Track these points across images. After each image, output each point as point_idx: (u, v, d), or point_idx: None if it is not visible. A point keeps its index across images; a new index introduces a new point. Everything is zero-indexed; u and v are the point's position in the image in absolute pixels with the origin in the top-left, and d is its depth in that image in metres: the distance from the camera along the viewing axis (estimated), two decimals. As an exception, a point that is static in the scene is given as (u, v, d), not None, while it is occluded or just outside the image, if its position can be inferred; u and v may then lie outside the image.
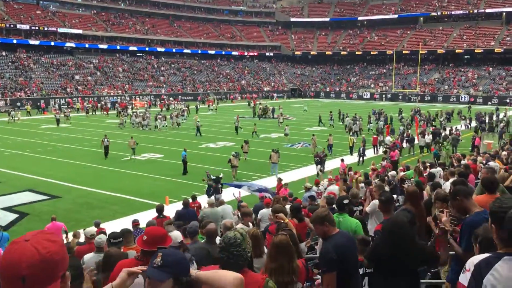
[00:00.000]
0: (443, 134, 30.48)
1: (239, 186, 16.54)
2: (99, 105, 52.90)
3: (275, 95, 75.34)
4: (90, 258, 5.80)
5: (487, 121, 38.92)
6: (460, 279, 2.22)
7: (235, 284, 2.31)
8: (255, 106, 50.19)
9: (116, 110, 48.81)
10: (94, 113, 49.86)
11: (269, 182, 20.08)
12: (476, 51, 73.18)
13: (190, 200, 13.06)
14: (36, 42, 64.51)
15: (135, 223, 10.62)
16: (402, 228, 3.69)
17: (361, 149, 25.74)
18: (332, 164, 24.04)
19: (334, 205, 7.35)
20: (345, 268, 4.00)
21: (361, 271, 4.47)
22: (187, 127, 38.45)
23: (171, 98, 61.69)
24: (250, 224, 7.58)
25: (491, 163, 10.67)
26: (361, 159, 25.56)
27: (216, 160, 24.78)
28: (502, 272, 2.10)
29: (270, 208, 9.32)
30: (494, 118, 40.20)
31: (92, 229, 7.69)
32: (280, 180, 17.41)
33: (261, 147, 28.33)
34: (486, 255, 2.23)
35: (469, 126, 38.57)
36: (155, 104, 58.00)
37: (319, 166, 22.76)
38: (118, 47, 73.35)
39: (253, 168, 23.62)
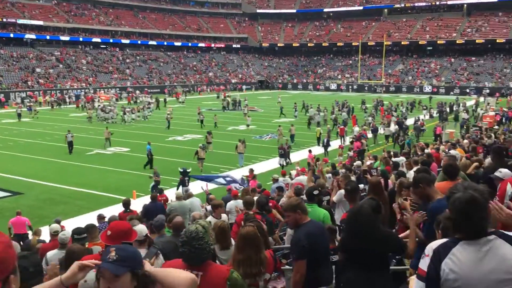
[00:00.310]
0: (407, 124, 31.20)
1: (207, 179, 16.47)
2: (66, 98, 51.69)
3: (243, 87, 75.23)
4: (53, 255, 5.65)
5: (447, 111, 39.97)
6: (420, 264, 2.27)
7: (187, 284, 2.30)
8: (225, 98, 49.92)
9: (82, 103, 47.53)
10: (59, 106, 48.51)
11: (237, 173, 20.06)
12: (438, 42, 74.93)
13: (157, 194, 12.98)
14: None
15: (101, 217, 10.44)
16: (365, 215, 3.73)
17: (325, 140, 25.77)
18: (299, 155, 24.23)
19: (302, 196, 7.41)
20: (315, 256, 4.05)
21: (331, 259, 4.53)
22: (154, 120, 37.97)
23: (138, 91, 60.51)
24: (224, 216, 7.52)
25: (452, 151, 10.98)
26: (325, 151, 25.34)
27: (184, 153, 24.60)
28: (460, 256, 2.16)
29: (238, 200, 9.35)
30: (455, 108, 41.27)
31: (56, 226, 7.49)
32: (252, 170, 17.50)
33: (229, 139, 28.24)
34: (444, 240, 2.27)
35: (433, 116, 39.44)
36: (120, 97, 56.77)
37: (283, 158, 22.68)
38: (81, 39, 71.52)
39: (221, 160, 23.55)
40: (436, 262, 2.19)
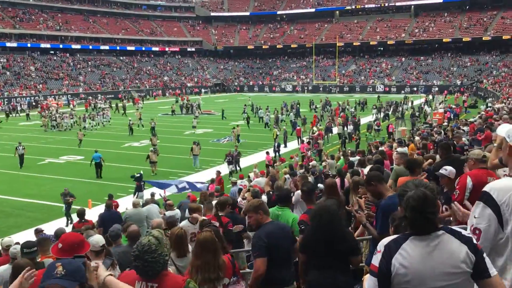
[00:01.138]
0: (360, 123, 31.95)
1: (161, 186, 16.29)
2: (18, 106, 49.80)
3: (203, 90, 75.14)
4: (4, 270, 5.41)
5: (392, 109, 41.18)
6: (373, 260, 2.34)
7: None
8: (184, 103, 49.38)
9: (41, 111, 45.20)
10: (14, 115, 46.44)
11: (196, 177, 19.95)
12: (388, 43, 77.14)
13: (108, 198, 12.83)
14: None
15: (38, 231, 9.87)
16: (331, 212, 3.80)
17: (275, 144, 25.35)
18: (257, 157, 24.32)
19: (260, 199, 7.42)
20: (275, 255, 4.09)
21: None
22: (112, 127, 37.12)
23: (100, 97, 58.84)
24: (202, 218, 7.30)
25: (399, 149, 11.34)
26: (277, 154, 24.68)
27: (140, 158, 24.10)
28: (410, 251, 2.24)
29: (203, 204, 9.25)
30: (405, 106, 42.44)
31: (9, 240, 7.17)
32: (219, 172, 17.56)
33: (186, 144, 28.03)
34: (395, 236, 2.35)
35: (388, 115, 40.11)
36: (68, 104, 54.71)
37: (231, 165, 21.76)
38: (29, 45, 68.96)
39: (178, 165, 23.34)
40: (387, 257, 2.25)
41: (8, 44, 66.71)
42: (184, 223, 6.85)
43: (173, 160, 24.54)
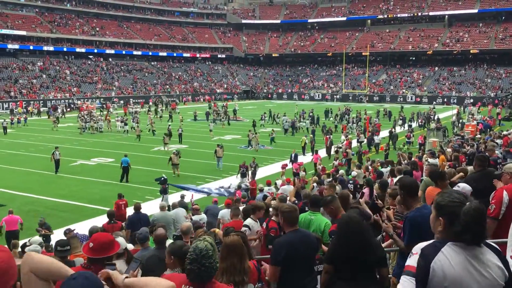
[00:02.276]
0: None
1: (185, 189, 16.53)
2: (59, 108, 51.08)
3: (235, 97, 76.22)
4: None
5: (421, 120, 40.49)
6: (408, 262, 2.35)
7: None
8: (217, 109, 49.83)
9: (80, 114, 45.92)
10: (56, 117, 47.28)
11: (223, 183, 20.05)
12: (421, 52, 76.06)
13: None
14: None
15: (69, 231, 10.11)
16: (357, 222, 3.77)
17: (292, 155, 24.26)
18: (278, 166, 24.24)
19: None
20: (296, 264, 4.10)
21: (315, 268, 4.54)
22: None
23: (121, 102, 60.07)
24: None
25: (431, 160, 11.16)
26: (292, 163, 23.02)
27: (165, 162, 24.31)
28: (450, 257, 2.25)
29: (230, 209, 9.30)
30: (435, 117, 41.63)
31: (37, 239, 7.38)
32: (254, 182, 17.81)
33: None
34: (431, 241, 2.37)
35: (421, 125, 39.40)
36: (102, 108, 56.07)
37: (244, 178, 20.47)
38: (65, 49, 70.98)
39: (205, 170, 23.55)
40: (426, 260, 2.27)
41: (45, 48, 68.78)
42: (249, 221, 6.84)
43: (201, 166, 24.79)
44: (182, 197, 14.53)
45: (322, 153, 26.88)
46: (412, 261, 2.33)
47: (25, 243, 7.75)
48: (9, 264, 1.40)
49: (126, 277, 2.56)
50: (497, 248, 2.34)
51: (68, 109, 53.41)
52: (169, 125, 34.95)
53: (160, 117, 46.61)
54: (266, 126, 40.24)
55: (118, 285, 2.53)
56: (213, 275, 2.85)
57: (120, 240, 4.32)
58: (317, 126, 36.86)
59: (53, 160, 22.94)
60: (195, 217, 10.58)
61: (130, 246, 6.23)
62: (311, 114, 42.73)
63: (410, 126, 37.88)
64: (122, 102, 61.43)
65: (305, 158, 26.17)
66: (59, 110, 50.80)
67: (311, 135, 30.61)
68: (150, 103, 59.81)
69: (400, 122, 39.74)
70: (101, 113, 45.83)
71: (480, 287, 2.22)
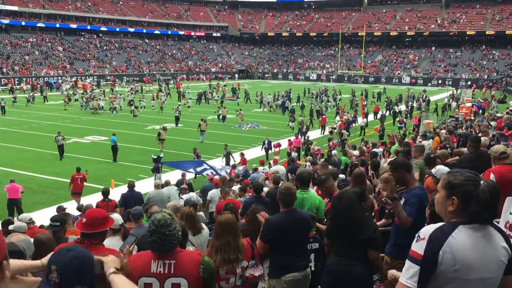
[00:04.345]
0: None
1: (184, 167, 16.52)
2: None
3: (236, 75, 76.29)
4: (27, 242, 5.59)
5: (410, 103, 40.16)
6: (414, 247, 2.25)
7: None
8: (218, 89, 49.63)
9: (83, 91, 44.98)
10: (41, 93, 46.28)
11: (217, 162, 20.07)
12: (417, 33, 75.65)
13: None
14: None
15: (61, 209, 10.36)
16: (348, 198, 3.83)
17: (265, 142, 22.64)
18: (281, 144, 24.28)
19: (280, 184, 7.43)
20: (283, 244, 4.15)
21: (308, 247, 4.59)
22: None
23: (125, 80, 59.52)
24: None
25: (424, 142, 11.23)
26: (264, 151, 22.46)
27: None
28: (460, 240, 2.20)
29: (219, 189, 9.34)
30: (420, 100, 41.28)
31: (26, 216, 7.37)
32: (242, 154, 17.83)
33: (214, 129, 28.30)
34: (439, 224, 2.29)
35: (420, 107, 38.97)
36: (98, 85, 55.42)
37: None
38: (58, 25, 69.92)
39: (204, 149, 23.52)
40: (435, 246, 2.20)
41: (37, 24, 67.73)
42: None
43: (196, 145, 24.75)
44: (183, 175, 14.76)
45: (315, 134, 26.95)
46: (418, 247, 2.24)
47: (10, 219, 7.86)
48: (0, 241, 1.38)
49: (115, 272, 2.60)
50: (500, 228, 2.33)
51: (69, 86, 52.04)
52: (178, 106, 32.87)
53: (168, 94, 45.98)
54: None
55: (106, 272, 2.59)
56: (175, 243, 2.91)
57: (116, 216, 4.32)
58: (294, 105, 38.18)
59: (56, 146, 21.55)
60: (184, 196, 10.62)
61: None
62: (288, 93, 43.54)
63: (397, 112, 34.07)
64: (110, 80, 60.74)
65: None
66: (64, 88, 49.53)
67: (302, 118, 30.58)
68: (161, 82, 59.01)
69: (385, 104, 38.19)
70: (101, 91, 45.02)
71: (488, 268, 2.20)
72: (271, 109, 39.07)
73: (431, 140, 14.60)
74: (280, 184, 5.37)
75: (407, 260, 2.28)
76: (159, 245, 2.87)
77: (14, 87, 48.65)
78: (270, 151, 21.99)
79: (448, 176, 2.37)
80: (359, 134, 27.90)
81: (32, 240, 4.20)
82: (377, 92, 47.30)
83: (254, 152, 22.83)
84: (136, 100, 39.35)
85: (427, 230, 2.27)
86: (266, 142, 22.52)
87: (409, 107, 35.91)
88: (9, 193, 13.84)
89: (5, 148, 23.22)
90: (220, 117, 32.24)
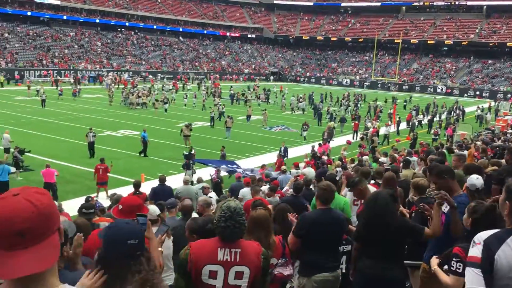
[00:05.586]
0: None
1: (209, 163, 16.67)
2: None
3: (271, 77, 76.70)
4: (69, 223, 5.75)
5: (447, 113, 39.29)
6: (472, 253, 2.28)
7: None
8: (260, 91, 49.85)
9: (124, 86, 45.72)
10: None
11: (246, 162, 20.12)
12: (455, 43, 74.05)
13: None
14: (11, 11, 62.39)
15: (87, 200, 10.53)
16: (384, 199, 3.77)
17: (282, 148, 21.30)
18: (307, 148, 24.17)
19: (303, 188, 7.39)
20: (315, 243, 4.13)
21: (340, 249, 4.54)
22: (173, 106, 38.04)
23: (163, 78, 60.49)
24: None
25: (458, 152, 10.98)
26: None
27: (191, 138, 24.53)
28: None
29: (250, 187, 9.35)
30: (457, 111, 40.34)
31: (55, 203, 7.59)
32: (280, 155, 17.83)
33: (245, 130, 28.65)
34: (494, 231, 2.30)
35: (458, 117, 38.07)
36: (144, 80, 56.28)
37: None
38: (97, 21, 71.60)
39: (236, 150, 23.65)
40: (490, 251, 2.22)
41: (78, 19, 69.50)
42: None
43: (230, 144, 24.91)
44: (216, 172, 14.96)
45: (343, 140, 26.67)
46: (475, 251, 2.26)
47: None
48: (51, 208, 1.41)
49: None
50: None
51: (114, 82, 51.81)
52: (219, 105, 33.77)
53: (207, 93, 46.05)
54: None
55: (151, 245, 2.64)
56: (244, 233, 2.97)
57: (153, 207, 4.38)
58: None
59: (86, 142, 21.21)
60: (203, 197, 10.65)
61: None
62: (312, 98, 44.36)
63: (431, 120, 34.28)
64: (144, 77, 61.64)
65: (332, 143, 26.03)
66: (107, 82, 49.87)
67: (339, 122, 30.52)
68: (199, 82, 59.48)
69: (414, 113, 37.43)
70: (143, 87, 45.70)
71: None
72: (293, 111, 39.38)
73: (466, 151, 14.25)
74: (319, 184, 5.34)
75: (467, 268, 2.29)
76: (231, 232, 2.87)
77: (59, 78, 50.00)
78: (285, 158, 20.41)
79: (510, 180, 2.42)
80: (381, 143, 27.01)
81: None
82: (403, 100, 46.76)
83: (290, 153, 22.76)
84: (171, 96, 40.48)
85: (482, 236, 2.29)
86: (282, 148, 21.25)
87: (432, 117, 35.02)
88: (45, 177, 14.44)
89: (42, 138, 23.90)
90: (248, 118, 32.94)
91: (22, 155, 18.12)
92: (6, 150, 19.22)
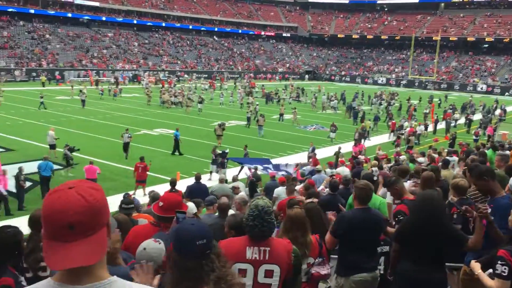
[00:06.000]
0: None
1: (244, 162, 16.72)
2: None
3: (306, 76, 76.47)
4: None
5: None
6: None
7: None
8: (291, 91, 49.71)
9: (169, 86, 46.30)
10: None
11: (281, 161, 20.09)
12: (496, 40, 71.65)
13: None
14: (53, 13, 64.42)
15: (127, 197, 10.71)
16: (436, 201, 3.66)
17: (310, 149, 21.24)
18: (345, 147, 23.96)
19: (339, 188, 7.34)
20: (353, 242, 4.11)
21: (378, 249, 4.48)
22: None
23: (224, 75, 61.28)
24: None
25: (501, 152, 10.63)
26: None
27: (227, 137, 24.75)
28: None
29: (285, 186, 9.36)
30: (498, 110, 38.99)
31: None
32: (315, 154, 17.89)
33: (279, 129, 28.65)
34: None
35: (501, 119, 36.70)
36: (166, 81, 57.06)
37: (214, 166, 18.26)
38: (135, 21, 73.09)
39: (269, 149, 23.71)
40: None
41: (116, 19, 71.13)
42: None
43: (263, 144, 25.02)
44: (256, 168, 15.08)
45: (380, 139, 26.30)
46: None
47: None
48: (103, 204, 1.47)
49: None
50: None
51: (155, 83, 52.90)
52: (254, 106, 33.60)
53: (245, 92, 46.14)
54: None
55: None
56: (273, 231, 2.94)
57: (190, 204, 4.46)
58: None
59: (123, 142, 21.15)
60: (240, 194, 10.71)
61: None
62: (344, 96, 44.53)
63: (469, 120, 33.05)
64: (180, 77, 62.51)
65: (368, 143, 25.73)
66: (145, 82, 50.83)
67: (374, 121, 30.13)
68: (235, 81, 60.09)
69: (451, 112, 35.88)
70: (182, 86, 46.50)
71: None
72: (324, 110, 39.16)
73: (508, 152, 13.81)
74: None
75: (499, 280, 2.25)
76: (260, 230, 2.87)
77: (99, 78, 51.31)
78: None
79: None
80: (418, 143, 26.41)
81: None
82: (438, 99, 45.86)
83: (318, 153, 22.63)
84: (209, 96, 41.72)
85: None
86: (310, 149, 21.03)
87: (469, 116, 33.83)
88: (87, 173, 15.05)
89: (82, 136, 24.56)
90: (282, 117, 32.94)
91: (72, 152, 18.68)
92: (52, 147, 19.97)
